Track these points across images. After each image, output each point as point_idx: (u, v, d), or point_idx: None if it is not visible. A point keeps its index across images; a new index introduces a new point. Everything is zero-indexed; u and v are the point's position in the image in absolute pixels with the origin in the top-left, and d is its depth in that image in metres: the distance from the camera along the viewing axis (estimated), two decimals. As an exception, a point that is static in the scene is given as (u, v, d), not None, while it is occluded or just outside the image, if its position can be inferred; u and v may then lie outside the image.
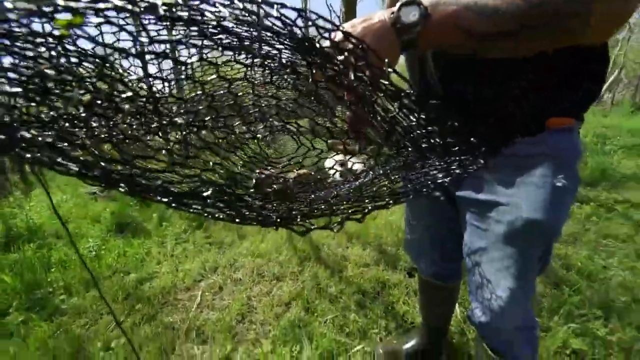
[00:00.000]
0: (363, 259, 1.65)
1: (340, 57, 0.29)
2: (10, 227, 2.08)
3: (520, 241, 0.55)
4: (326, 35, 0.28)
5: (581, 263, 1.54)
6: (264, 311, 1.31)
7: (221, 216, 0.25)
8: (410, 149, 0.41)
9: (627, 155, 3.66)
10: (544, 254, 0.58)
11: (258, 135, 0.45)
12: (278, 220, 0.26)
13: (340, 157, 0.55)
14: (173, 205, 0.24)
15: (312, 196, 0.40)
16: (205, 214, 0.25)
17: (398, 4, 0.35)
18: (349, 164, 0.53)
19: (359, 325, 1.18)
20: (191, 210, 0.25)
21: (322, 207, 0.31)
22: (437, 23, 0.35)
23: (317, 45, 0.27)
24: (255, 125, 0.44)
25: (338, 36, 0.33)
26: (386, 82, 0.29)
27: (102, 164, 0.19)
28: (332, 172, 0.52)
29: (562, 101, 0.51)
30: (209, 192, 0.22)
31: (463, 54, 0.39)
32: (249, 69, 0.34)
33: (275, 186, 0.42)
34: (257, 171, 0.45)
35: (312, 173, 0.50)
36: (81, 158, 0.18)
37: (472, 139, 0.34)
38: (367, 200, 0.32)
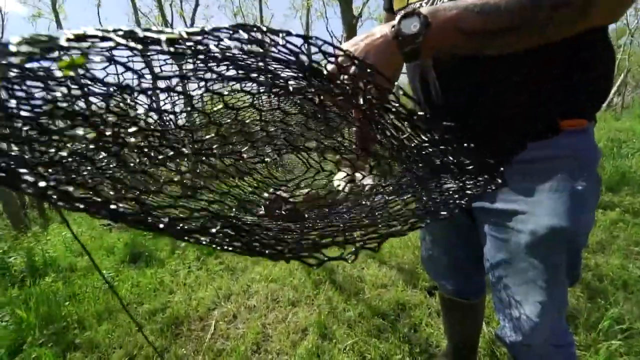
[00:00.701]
0: (380, 279, 1.59)
1: (345, 77, 0.28)
2: (30, 262, 2.11)
3: (544, 249, 0.52)
4: (331, 59, 0.28)
5: (613, 273, 1.45)
6: (280, 339, 1.26)
7: (230, 248, 0.24)
8: (421, 165, 0.39)
9: (646, 157, 3.53)
10: (572, 263, 0.54)
11: (266, 159, 0.44)
12: (289, 253, 0.24)
13: (347, 172, 0.53)
14: (182, 239, 0.23)
15: (324, 220, 0.38)
16: (215, 246, 0.24)
17: (398, 17, 0.35)
18: (358, 179, 0.52)
19: (381, 352, 1.11)
20: (201, 243, 0.24)
21: (335, 234, 0.29)
22: (438, 30, 0.35)
23: (324, 69, 0.27)
24: (262, 149, 0.43)
25: (340, 57, 0.32)
26: (393, 102, 0.28)
27: (110, 201, 0.18)
28: (340, 188, 0.51)
29: (573, 102, 0.49)
30: (217, 228, 0.21)
31: (463, 56, 0.39)
32: (255, 97, 0.34)
33: (284, 208, 0.41)
34: (266, 194, 0.44)
35: (320, 193, 0.48)
36: (86, 196, 0.17)
37: (488, 159, 0.32)
38: (381, 225, 0.31)
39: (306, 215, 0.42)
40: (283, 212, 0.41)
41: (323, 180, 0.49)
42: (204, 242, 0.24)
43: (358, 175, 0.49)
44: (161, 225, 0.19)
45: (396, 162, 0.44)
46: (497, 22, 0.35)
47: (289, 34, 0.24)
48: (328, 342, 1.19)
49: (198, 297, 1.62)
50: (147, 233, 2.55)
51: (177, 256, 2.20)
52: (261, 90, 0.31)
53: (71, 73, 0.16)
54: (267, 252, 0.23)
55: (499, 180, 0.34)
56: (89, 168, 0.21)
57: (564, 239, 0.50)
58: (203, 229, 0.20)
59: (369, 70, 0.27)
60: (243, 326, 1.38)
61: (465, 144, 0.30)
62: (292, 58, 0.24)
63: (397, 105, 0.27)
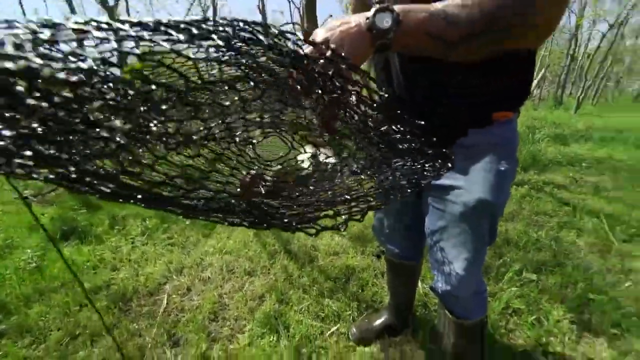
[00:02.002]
0: (332, 247, 1.70)
1: (321, 61, 0.30)
2: None
3: (474, 218, 0.63)
4: (306, 45, 0.30)
5: (518, 237, 1.78)
6: (237, 307, 1.30)
7: (245, 223, 0.26)
8: (384, 148, 0.44)
9: (552, 143, 4.25)
10: (492, 229, 0.68)
11: (254, 141, 0.45)
12: (297, 225, 0.28)
13: (310, 149, 0.57)
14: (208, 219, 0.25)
15: (312, 196, 0.41)
16: (227, 223, 0.26)
17: (373, 10, 0.37)
18: (321, 157, 0.56)
19: (333, 310, 1.23)
20: (211, 219, 0.26)
21: (324, 207, 0.33)
22: (408, 29, 0.38)
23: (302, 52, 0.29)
24: (252, 130, 0.44)
25: (318, 42, 0.34)
26: (361, 86, 0.32)
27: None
28: (305, 165, 0.54)
29: (503, 98, 0.59)
30: (242, 207, 0.24)
31: (422, 58, 0.44)
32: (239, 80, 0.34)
33: (262, 186, 0.43)
34: (240, 175, 0.45)
35: (288, 169, 0.51)
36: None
37: (444, 147, 0.38)
38: (360, 200, 0.35)
39: (288, 193, 0.44)
40: (262, 191, 0.43)
41: (295, 159, 0.52)
42: (215, 220, 0.27)
43: (322, 153, 0.53)
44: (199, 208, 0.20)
45: (356, 142, 0.48)
46: (462, 30, 0.39)
47: (281, 33, 0.26)
48: (284, 306, 1.27)
49: (146, 273, 1.56)
50: (79, 207, 2.29)
51: (117, 232, 2.03)
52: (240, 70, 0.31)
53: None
54: (276, 223, 0.26)
55: (450, 165, 0.41)
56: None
57: (488, 209, 0.62)
58: (228, 208, 0.22)
59: (340, 54, 0.30)
60: (198, 298, 1.38)
61: (428, 136, 0.35)
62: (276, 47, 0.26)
63: (361, 88, 0.31)
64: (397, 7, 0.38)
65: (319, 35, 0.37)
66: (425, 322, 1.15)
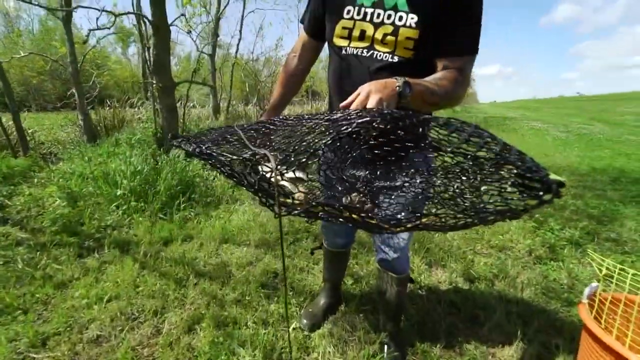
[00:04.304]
0: (244, 259, 1.68)
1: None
2: None
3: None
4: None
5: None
6: (166, 352, 1.09)
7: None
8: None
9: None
10: None
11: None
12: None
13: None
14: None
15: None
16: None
17: (402, 81, 0.60)
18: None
19: (280, 312, 1.27)
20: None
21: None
22: (415, 96, 0.63)
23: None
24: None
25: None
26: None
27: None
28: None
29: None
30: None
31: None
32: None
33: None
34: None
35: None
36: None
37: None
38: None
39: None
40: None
41: None
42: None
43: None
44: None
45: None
46: (435, 99, 0.69)
47: None
48: (225, 328, 1.19)
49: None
50: None
51: None
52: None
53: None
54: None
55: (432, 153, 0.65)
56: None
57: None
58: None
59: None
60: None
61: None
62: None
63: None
64: (409, 80, 0.62)
65: (372, 95, 0.57)
66: (350, 294, 1.41)
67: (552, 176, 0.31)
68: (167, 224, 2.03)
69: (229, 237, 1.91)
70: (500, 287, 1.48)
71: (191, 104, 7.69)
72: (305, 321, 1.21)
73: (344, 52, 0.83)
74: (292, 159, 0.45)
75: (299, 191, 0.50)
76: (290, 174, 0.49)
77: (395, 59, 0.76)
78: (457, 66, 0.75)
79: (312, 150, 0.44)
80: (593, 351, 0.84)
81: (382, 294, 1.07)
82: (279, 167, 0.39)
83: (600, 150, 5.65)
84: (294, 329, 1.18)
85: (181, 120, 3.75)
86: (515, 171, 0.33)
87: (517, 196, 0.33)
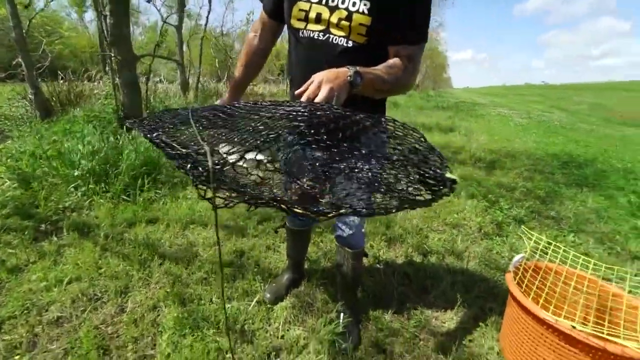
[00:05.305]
0: (210, 239, 1.71)
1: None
2: None
3: None
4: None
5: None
6: (130, 329, 1.12)
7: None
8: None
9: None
10: None
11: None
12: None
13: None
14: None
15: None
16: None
17: (352, 71, 0.63)
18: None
19: (244, 288, 1.33)
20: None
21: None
22: (366, 84, 0.67)
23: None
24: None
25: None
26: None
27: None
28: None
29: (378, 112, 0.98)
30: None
31: None
32: None
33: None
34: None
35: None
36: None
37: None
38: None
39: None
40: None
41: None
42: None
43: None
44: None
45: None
46: (386, 86, 0.74)
47: None
48: (191, 304, 1.23)
49: None
50: None
51: None
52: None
53: None
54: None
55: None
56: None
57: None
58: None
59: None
60: (59, 343, 1.05)
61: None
62: None
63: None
64: (360, 70, 0.65)
65: (323, 85, 0.60)
66: (313, 269, 1.50)
67: (448, 174, 0.37)
68: (130, 206, 1.98)
69: (196, 218, 1.91)
70: (449, 260, 1.63)
71: (157, 79, 7.24)
72: (268, 295, 1.28)
73: (300, 34, 0.84)
74: (241, 148, 0.47)
75: (257, 175, 0.53)
76: (251, 155, 0.52)
77: (350, 43, 0.79)
78: (407, 54, 0.79)
79: (258, 145, 0.47)
80: (514, 310, 0.98)
81: (339, 266, 1.15)
82: (225, 157, 0.41)
83: (555, 136, 6.12)
84: (257, 302, 1.24)
85: (145, 97, 3.55)
86: (417, 170, 0.39)
87: (421, 191, 0.39)
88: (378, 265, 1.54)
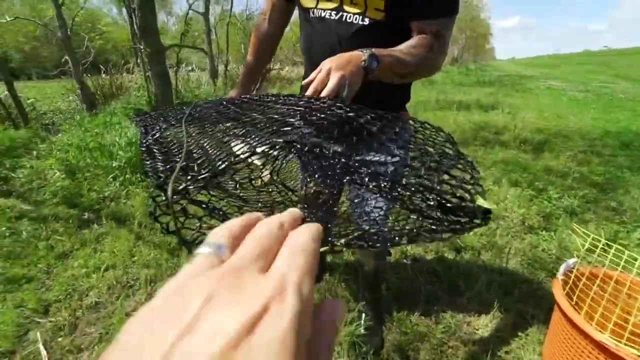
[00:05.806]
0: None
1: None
2: None
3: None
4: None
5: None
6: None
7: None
8: None
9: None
10: None
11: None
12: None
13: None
14: None
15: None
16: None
17: (367, 55, 0.54)
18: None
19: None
20: None
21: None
22: (383, 68, 0.57)
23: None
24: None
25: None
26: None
27: None
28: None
29: (402, 103, 0.85)
30: None
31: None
32: None
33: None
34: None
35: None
36: None
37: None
38: None
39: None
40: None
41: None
42: None
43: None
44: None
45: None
46: (408, 70, 0.63)
47: None
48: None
49: (-18, 332, 1.09)
50: None
51: None
52: None
53: None
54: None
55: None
56: None
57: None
58: None
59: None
60: (95, 328, 1.13)
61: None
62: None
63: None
64: (376, 52, 0.55)
65: (332, 72, 0.51)
66: (336, 263, 1.45)
67: (480, 201, 0.28)
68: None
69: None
70: (486, 257, 1.49)
71: (190, 68, 7.44)
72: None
73: (311, 14, 0.75)
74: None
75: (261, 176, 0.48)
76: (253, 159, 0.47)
77: (367, 21, 0.69)
78: (433, 30, 0.67)
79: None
80: (562, 326, 0.85)
81: (361, 266, 1.09)
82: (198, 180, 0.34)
83: (620, 111, 5.33)
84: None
85: (175, 87, 3.65)
86: (437, 198, 0.29)
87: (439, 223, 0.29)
88: (404, 261, 1.45)
